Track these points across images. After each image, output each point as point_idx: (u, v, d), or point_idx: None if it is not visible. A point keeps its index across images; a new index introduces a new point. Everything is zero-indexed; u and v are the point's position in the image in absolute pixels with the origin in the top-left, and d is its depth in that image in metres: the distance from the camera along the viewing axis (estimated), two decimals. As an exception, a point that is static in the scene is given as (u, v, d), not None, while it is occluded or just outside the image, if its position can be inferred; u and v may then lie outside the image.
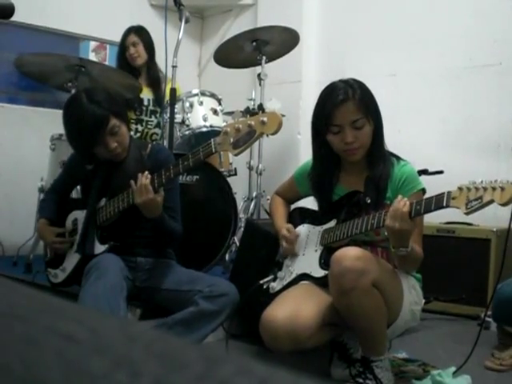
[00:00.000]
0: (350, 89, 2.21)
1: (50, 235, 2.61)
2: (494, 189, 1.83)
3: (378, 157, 2.28)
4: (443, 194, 1.94)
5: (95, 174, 2.52)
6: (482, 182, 1.88)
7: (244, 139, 2.08)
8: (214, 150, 2.15)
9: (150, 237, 2.51)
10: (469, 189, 1.88)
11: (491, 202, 1.84)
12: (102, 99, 2.37)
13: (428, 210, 1.97)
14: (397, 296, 2.16)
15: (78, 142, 2.45)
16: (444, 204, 1.92)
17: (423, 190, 2.26)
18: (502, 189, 1.81)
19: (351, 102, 2.19)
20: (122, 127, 2.41)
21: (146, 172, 2.25)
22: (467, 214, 1.90)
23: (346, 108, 2.19)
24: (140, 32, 4.28)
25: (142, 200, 2.23)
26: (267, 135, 2.12)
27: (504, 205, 1.82)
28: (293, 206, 2.69)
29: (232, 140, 2.09)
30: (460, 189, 1.90)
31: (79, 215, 2.60)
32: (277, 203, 2.64)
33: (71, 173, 2.70)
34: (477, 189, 1.87)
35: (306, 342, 2.08)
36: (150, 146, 2.61)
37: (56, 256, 2.63)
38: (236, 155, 2.18)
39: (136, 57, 4.24)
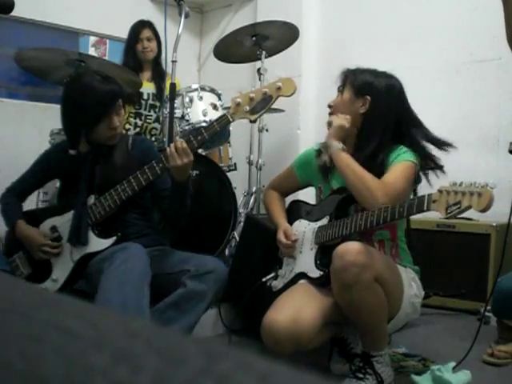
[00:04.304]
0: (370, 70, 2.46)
1: (39, 237, 2.49)
2: (471, 194, 1.74)
3: (369, 146, 2.26)
4: (424, 196, 1.88)
5: (80, 167, 2.47)
6: (461, 184, 1.79)
7: (261, 105, 2.20)
8: (231, 119, 2.24)
9: (143, 226, 2.51)
10: (448, 192, 1.80)
11: (469, 207, 1.75)
12: (112, 78, 2.44)
13: (410, 213, 1.95)
14: (398, 290, 2.16)
15: (81, 117, 2.39)
16: (425, 208, 1.87)
17: (414, 164, 2.23)
18: (479, 194, 1.72)
19: (356, 71, 2.40)
20: (122, 110, 2.46)
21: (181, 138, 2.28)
22: (447, 218, 1.86)
23: (349, 72, 2.40)
24: (153, 27, 4.29)
25: (183, 162, 2.21)
26: (285, 96, 2.27)
27: (482, 211, 1.73)
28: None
29: (248, 108, 2.20)
30: (440, 192, 1.83)
31: (58, 221, 2.51)
32: (272, 198, 2.62)
33: (45, 170, 2.63)
34: (455, 193, 1.77)
35: (308, 344, 2.08)
36: (130, 137, 2.62)
37: (36, 269, 2.51)
38: (253, 121, 2.34)
39: (149, 51, 4.25)
